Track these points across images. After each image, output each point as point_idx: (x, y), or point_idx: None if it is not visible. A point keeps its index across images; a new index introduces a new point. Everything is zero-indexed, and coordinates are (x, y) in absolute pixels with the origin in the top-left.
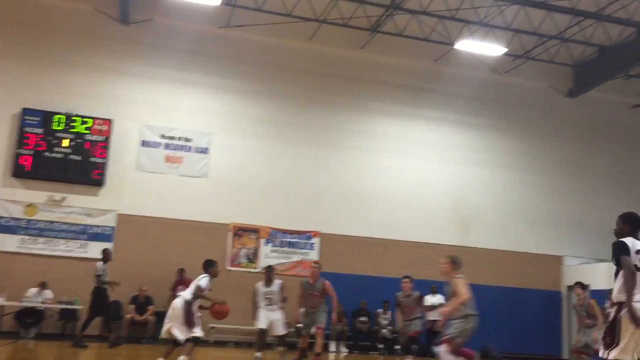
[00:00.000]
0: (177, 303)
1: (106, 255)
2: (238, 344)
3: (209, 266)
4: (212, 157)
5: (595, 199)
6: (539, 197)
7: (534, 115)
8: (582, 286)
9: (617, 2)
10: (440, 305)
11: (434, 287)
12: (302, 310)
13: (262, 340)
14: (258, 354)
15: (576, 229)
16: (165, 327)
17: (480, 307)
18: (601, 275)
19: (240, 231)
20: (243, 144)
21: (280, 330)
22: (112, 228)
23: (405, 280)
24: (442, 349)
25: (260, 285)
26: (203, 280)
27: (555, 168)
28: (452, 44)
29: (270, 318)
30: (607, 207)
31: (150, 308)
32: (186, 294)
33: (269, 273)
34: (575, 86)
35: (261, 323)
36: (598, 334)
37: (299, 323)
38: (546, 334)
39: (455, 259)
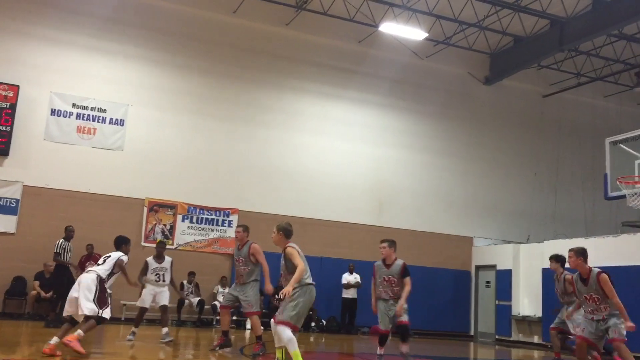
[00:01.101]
0: (88, 278)
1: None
2: (151, 321)
3: (123, 243)
4: (128, 130)
5: (505, 184)
6: (453, 179)
7: (452, 100)
8: (557, 259)
9: None
10: (357, 283)
11: (352, 266)
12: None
13: (140, 317)
14: (135, 329)
15: (486, 212)
16: (69, 303)
17: None
18: (507, 256)
19: (156, 207)
20: (161, 117)
21: (163, 300)
22: (17, 200)
23: (383, 245)
24: (280, 326)
25: (151, 260)
26: (124, 257)
27: (470, 152)
28: (376, 26)
29: (156, 291)
30: (516, 192)
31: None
32: (100, 270)
33: (160, 249)
34: (491, 74)
35: (144, 302)
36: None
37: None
38: (456, 312)
39: (285, 227)
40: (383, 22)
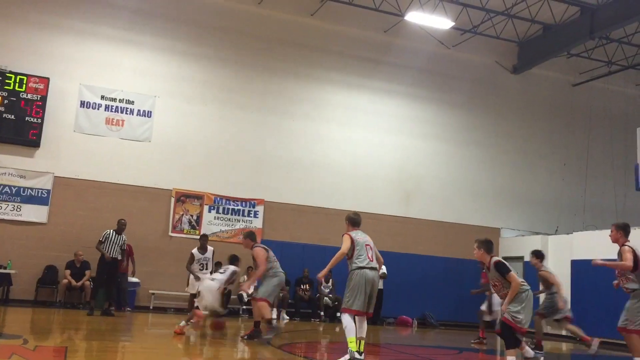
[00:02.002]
0: (213, 286)
1: (119, 226)
2: (179, 310)
3: (237, 260)
4: (156, 121)
5: (534, 174)
6: (480, 170)
7: (479, 89)
8: (537, 255)
9: None
10: (384, 274)
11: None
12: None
13: (192, 304)
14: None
15: (514, 203)
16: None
17: (421, 276)
18: (535, 247)
19: (183, 197)
20: (188, 109)
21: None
22: (48, 191)
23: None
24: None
25: (196, 252)
26: (238, 270)
27: (497, 142)
28: (402, 16)
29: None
30: (545, 182)
31: (87, 273)
32: (220, 277)
33: (204, 241)
34: (520, 62)
35: (193, 288)
36: (562, 300)
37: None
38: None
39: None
40: (409, 11)
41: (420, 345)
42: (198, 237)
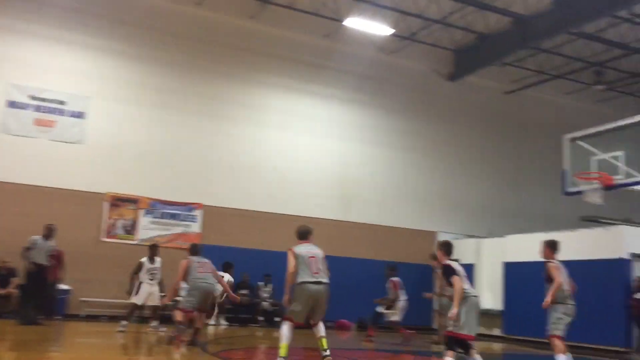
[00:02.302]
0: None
1: (48, 231)
2: (112, 318)
3: (231, 267)
4: (89, 123)
5: (469, 179)
6: (417, 175)
7: (418, 96)
8: (433, 257)
9: None
10: None
11: None
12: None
13: (132, 313)
14: (124, 322)
15: (450, 207)
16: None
17: (358, 280)
18: (470, 250)
19: (118, 201)
20: (123, 110)
21: (156, 300)
22: None
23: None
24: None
25: (145, 261)
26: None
27: (435, 148)
28: (341, 21)
29: (150, 291)
30: (479, 187)
31: (14, 281)
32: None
33: (154, 250)
34: (456, 70)
35: (139, 299)
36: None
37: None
38: (419, 306)
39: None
40: (348, 16)
41: (359, 349)
42: (133, 242)
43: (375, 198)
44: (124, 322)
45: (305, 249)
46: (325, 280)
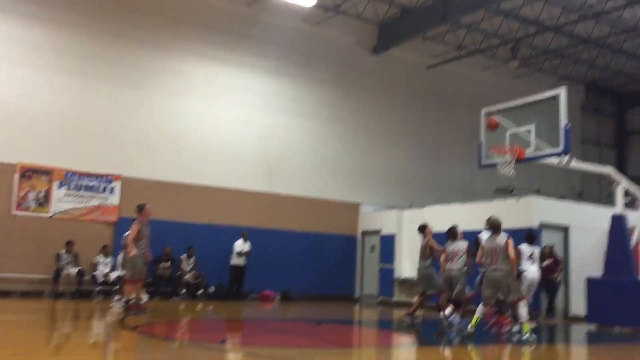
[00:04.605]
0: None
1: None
2: (25, 294)
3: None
4: None
5: (391, 151)
6: (342, 147)
7: (342, 68)
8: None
9: None
10: (251, 252)
11: (245, 233)
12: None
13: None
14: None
15: (373, 179)
16: None
17: (284, 251)
18: (391, 221)
19: (30, 172)
20: (34, 76)
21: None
22: None
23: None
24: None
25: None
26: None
27: (358, 120)
28: None
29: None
30: (401, 159)
31: None
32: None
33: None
34: (379, 44)
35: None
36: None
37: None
38: (343, 276)
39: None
40: None
41: (281, 319)
42: (47, 214)
43: (301, 170)
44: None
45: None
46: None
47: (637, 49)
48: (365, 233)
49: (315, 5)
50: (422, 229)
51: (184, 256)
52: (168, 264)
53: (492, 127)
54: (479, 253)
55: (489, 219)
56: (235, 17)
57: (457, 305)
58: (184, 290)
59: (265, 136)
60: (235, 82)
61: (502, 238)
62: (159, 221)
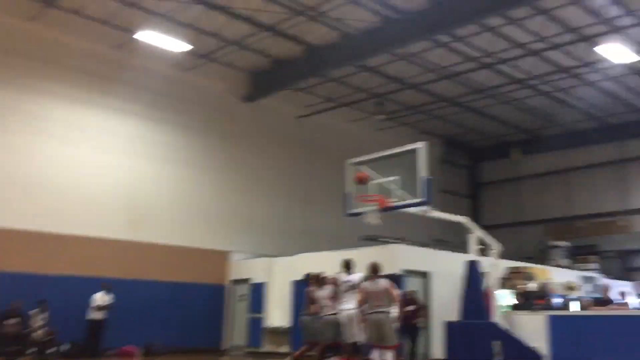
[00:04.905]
0: None
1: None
2: None
3: None
4: None
5: (262, 199)
6: (212, 194)
7: (214, 115)
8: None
9: (290, 20)
10: (111, 304)
11: (106, 285)
12: None
13: None
14: None
15: (244, 226)
16: None
17: (148, 303)
18: (261, 269)
19: None
20: None
21: None
22: None
23: None
24: None
25: None
26: None
27: (229, 168)
28: (133, 33)
29: None
30: (272, 207)
31: None
32: None
33: None
34: (251, 92)
35: None
36: None
37: None
38: (209, 327)
39: None
40: (142, 29)
41: None
42: None
43: (167, 217)
44: None
45: None
46: None
47: (486, 107)
48: (234, 282)
49: (188, 52)
50: (314, 279)
51: (34, 311)
52: (16, 320)
53: (361, 181)
54: (360, 296)
55: (370, 263)
56: (102, 59)
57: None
58: (33, 349)
59: (132, 182)
60: (102, 125)
61: (384, 281)
62: (6, 274)
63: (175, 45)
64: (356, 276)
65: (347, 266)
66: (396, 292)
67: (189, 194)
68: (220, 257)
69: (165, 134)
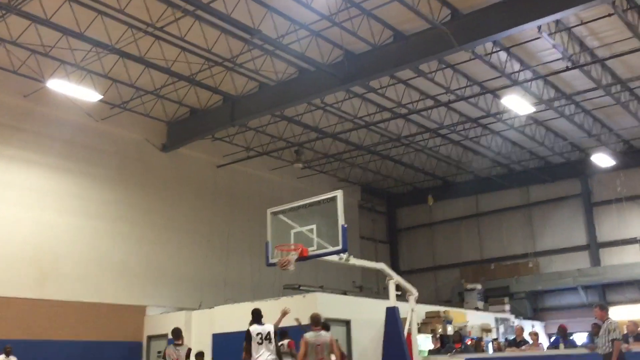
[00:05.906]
0: None
1: None
2: None
3: None
4: None
5: (180, 251)
6: (127, 247)
7: (129, 165)
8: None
9: (207, 70)
10: None
11: (9, 348)
12: None
13: None
14: None
15: (161, 279)
16: None
17: None
18: (179, 323)
19: None
20: None
21: None
22: None
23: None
24: None
25: None
26: None
27: (145, 219)
28: (44, 82)
29: None
30: (190, 259)
31: None
32: None
33: None
34: (169, 141)
35: None
36: None
37: None
38: None
39: None
40: (53, 78)
41: None
42: None
43: (80, 272)
44: None
45: None
46: None
47: (401, 156)
48: (151, 337)
49: (101, 100)
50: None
51: None
52: None
53: (284, 266)
54: (303, 348)
55: (312, 315)
56: (9, 109)
57: None
58: None
59: (39, 236)
60: (6, 177)
61: (326, 333)
62: None
63: (88, 94)
64: (267, 327)
65: (258, 317)
66: (337, 345)
67: (102, 247)
68: (137, 312)
69: (77, 186)
